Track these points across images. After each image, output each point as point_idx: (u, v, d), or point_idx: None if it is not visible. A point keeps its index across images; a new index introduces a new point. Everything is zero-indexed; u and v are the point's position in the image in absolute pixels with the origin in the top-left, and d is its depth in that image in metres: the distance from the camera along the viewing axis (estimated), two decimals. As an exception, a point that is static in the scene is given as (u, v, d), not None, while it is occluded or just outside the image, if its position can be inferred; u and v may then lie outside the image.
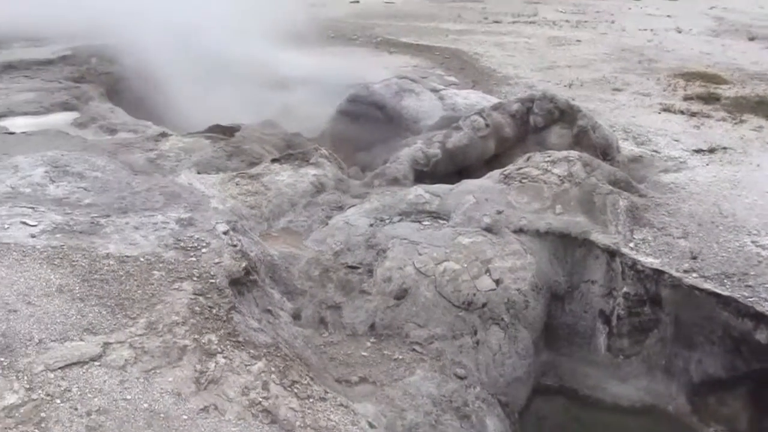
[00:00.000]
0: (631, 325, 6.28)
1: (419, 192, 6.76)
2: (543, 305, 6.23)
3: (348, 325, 5.92)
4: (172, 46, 12.64)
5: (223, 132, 8.36)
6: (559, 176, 6.66)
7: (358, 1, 19.37)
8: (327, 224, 6.62)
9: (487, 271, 6.01)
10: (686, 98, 10.26)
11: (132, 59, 12.25)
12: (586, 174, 6.67)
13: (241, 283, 5.73)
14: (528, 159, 6.88)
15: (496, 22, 16.52)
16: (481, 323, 5.88)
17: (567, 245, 6.43)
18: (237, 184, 7.11)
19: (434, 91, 9.13)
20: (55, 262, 5.62)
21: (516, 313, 5.98)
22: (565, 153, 6.87)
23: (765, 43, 14.63)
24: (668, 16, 17.70)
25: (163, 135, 8.18)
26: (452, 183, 7.46)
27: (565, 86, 10.82)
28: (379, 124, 8.77)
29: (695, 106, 9.89)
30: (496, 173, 6.90)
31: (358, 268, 6.21)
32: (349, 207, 6.91)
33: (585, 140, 7.71)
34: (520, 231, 6.38)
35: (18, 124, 9.21)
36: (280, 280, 6.17)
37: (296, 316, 5.97)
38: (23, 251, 5.75)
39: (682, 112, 9.63)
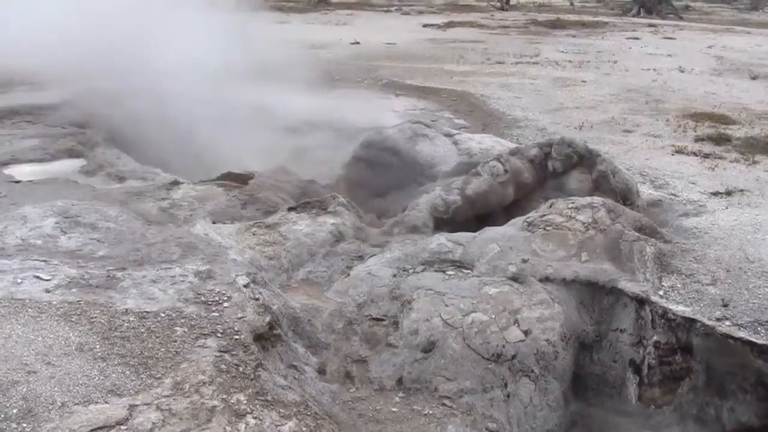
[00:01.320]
0: (662, 374, 6.15)
1: (441, 241, 6.63)
2: (572, 355, 6.10)
3: (375, 379, 5.76)
4: (175, 90, 12.60)
5: (236, 179, 8.24)
6: (584, 223, 6.55)
7: (358, 43, 19.38)
8: (348, 275, 6.47)
9: (516, 321, 5.87)
10: (697, 139, 10.21)
11: (135, 103, 12.16)
12: (611, 221, 6.56)
13: (265, 338, 5.57)
14: (551, 206, 6.77)
15: (500, 62, 16.54)
16: (511, 375, 5.74)
17: (594, 293, 6.31)
18: (254, 234, 6.97)
19: (448, 135, 9.05)
20: (73, 319, 5.45)
21: (546, 365, 5.84)
22: (588, 199, 6.76)
23: (766, 83, 14.68)
24: (669, 55, 17.76)
25: (175, 183, 8.05)
26: (472, 230, 7.35)
27: (575, 128, 10.76)
28: (395, 170, 8.67)
29: (707, 148, 9.84)
30: (518, 220, 6.79)
31: (383, 320, 6.06)
32: (370, 256, 6.77)
33: (605, 185, 7.62)
34: (546, 280, 6.25)
35: (23, 171, 9.07)
36: (303, 334, 6.01)
37: (321, 371, 5.81)
38: (39, 308, 5.59)
39: (695, 154, 9.56)
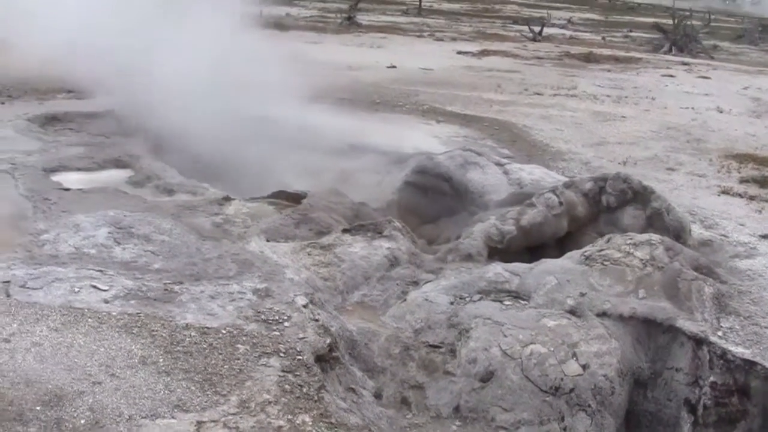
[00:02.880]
0: (717, 416, 6.10)
1: (498, 270, 6.61)
2: (627, 392, 6.07)
3: (432, 406, 5.74)
4: (218, 107, 12.65)
5: (287, 198, 8.24)
6: (642, 260, 6.52)
7: (395, 66, 19.44)
8: (405, 300, 6.46)
9: (574, 355, 5.84)
10: (742, 181, 10.17)
11: (179, 117, 12.21)
12: (669, 258, 6.53)
13: (325, 359, 5.56)
14: (608, 240, 6.74)
15: (538, 94, 16.54)
16: (568, 409, 5.70)
17: (650, 331, 6.28)
18: (309, 255, 6.96)
19: (499, 164, 9.05)
20: (134, 331, 5.46)
21: (602, 400, 5.81)
22: (646, 236, 6.74)
23: (809, 124, 14.63)
24: (706, 94, 17.72)
25: (227, 199, 8.06)
26: (523, 261, 7.33)
27: (619, 164, 10.73)
28: (446, 197, 8.66)
29: (752, 190, 9.79)
30: (576, 254, 6.76)
31: (440, 347, 6.04)
32: (425, 283, 6.75)
33: (658, 223, 7.59)
34: (603, 315, 6.23)
35: (71, 179, 9.10)
36: (359, 357, 6.00)
37: (377, 395, 5.78)
38: (99, 318, 5.60)
39: (740, 195, 9.52)
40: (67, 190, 8.46)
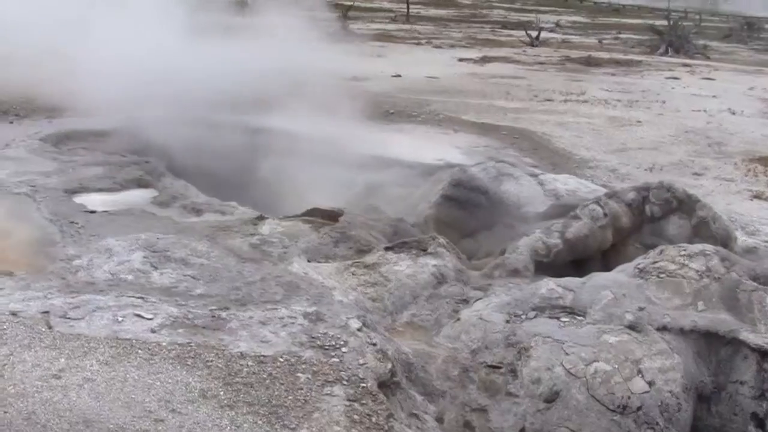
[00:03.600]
0: (786, 430, 5.93)
1: (551, 286, 6.42)
2: (691, 407, 5.89)
3: (496, 429, 5.58)
4: (229, 120, 12.48)
5: (322, 216, 8.04)
6: (698, 271, 6.35)
7: (400, 75, 19.25)
8: (458, 319, 6.27)
9: (639, 372, 5.67)
10: (770, 185, 10.06)
11: (190, 133, 12.01)
12: (725, 269, 6.36)
13: (386, 385, 5.36)
14: (661, 252, 6.57)
15: (548, 100, 16.40)
16: (637, 428, 5.54)
17: (711, 344, 6.11)
18: (353, 274, 6.78)
19: (533, 175, 8.88)
20: (188, 362, 5.25)
21: (670, 417, 5.64)
22: (700, 247, 6.57)
23: (824, 125, 14.55)
24: (714, 96, 17.62)
25: (260, 218, 7.86)
26: (569, 274, 7.16)
27: (645, 170, 10.60)
28: (483, 210, 8.47)
29: (786, 197, 9.67)
30: (629, 267, 6.58)
31: (500, 367, 5.85)
32: (475, 300, 6.57)
33: (705, 231, 7.44)
34: (663, 329, 6.05)
35: (94, 201, 8.89)
36: (417, 381, 5.80)
37: (439, 420, 5.59)
38: (149, 349, 5.38)
39: (774, 203, 9.41)
40: (93, 212, 8.25)
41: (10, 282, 6.44)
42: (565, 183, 8.74)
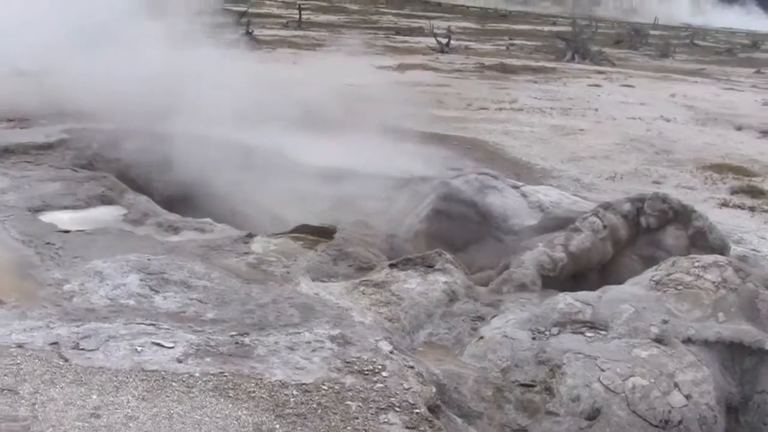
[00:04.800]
0: (814, 437, 6.06)
1: (569, 301, 6.39)
2: (724, 419, 5.94)
3: (539, 450, 5.46)
4: (166, 130, 12.00)
5: (311, 232, 7.80)
6: (714, 282, 6.43)
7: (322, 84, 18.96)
8: (482, 338, 6.15)
9: (676, 385, 5.68)
10: (733, 192, 10.34)
11: (140, 145, 11.54)
12: (740, 280, 6.46)
13: (431, 409, 5.20)
14: (673, 264, 6.63)
15: (483, 108, 16.50)
16: (677, 443, 5.54)
17: (735, 355, 6.19)
18: (364, 294, 6.59)
19: (515, 187, 8.85)
20: (230, 394, 4.98)
21: (708, 429, 5.67)
22: (713, 258, 6.66)
23: (753, 132, 15.10)
24: (641, 104, 18.12)
25: (249, 236, 7.57)
26: (570, 288, 7.17)
27: (607, 179, 10.75)
28: (472, 223, 8.39)
29: (747, 201, 9.96)
30: (644, 280, 6.62)
31: (534, 385, 5.77)
32: (492, 317, 6.47)
33: (701, 242, 7.56)
34: (688, 341, 6.09)
35: (62, 219, 8.41)
36: (451, 403, 5.67)
37: (480, 443, 5.47)
38: (183, 381, 5.09)
39: (740, 207, 9.66)
40: (67, 232, 7.78)
41: (2, 311, 6.00)
42: (546, 194, 8.75)
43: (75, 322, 5.84)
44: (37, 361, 5.21)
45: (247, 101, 13.23)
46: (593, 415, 5.53)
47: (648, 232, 7.81)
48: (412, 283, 6.68)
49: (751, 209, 9.59)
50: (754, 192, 10.30)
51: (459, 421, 5.50)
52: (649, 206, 7.76)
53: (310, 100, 15.73)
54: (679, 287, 6.39)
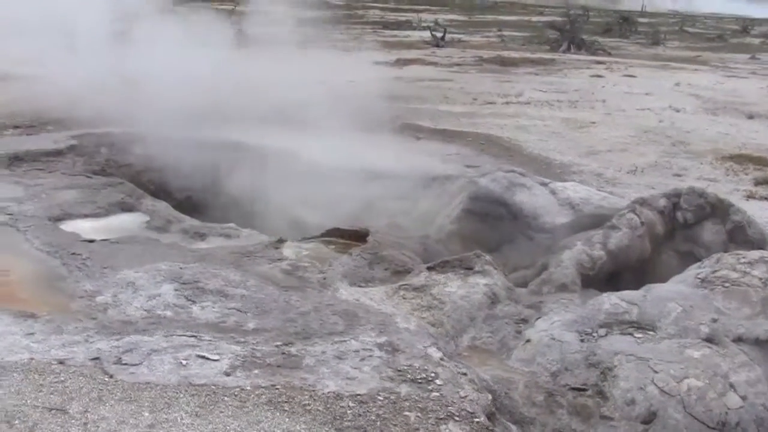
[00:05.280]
0: None
1: (614, 301, 6.28)
2: (777, 418, 5.84)
3: (596, 456, 5.35)
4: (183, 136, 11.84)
5: (342, 236, 7.67)
6: (761, 279, 6.34)
7: (324, 82, 18.76)
8: (528, 340, 6.04)
9: (731, 386, 5.58)
10: (757, 183, 10.23)
11: (151, 149, 11.38)
12: (788, 276, 6.36)
13: (488, 417, 5.09)
14: (718, 261, 6.53)
15: (490, 103, 16.37)
16: (736, 444, 5.44)
17: (784, 353, 6.09)
18: (404, 298, 6.47)
19: (543, 184, 8.72)
20: (285, 408, 4.86)
21: (765, 431, 5.56)
22: (758, 254, 6.56)
23: (766, 121, 15.02)
24: (647, 94, 18.01)
25: (280, 241, 7.43)
26: (607, 288, 7.08)
27: (628, 173, 10.64)
28: (504, 223, 8.27)
29: (773, 192, 9.86)
30: (689, 277, 6.51)
31: (586, 389, 5.66)
32: (536, 319, 6.36)
33: (740, 236, 7.46)
34: (739, 340, 5.99)
35: (84, 228, 8.27)
36: (503, 409, 5.55)
37: (537, 450, 5.36)
38: (234, 395, 4.96)
39: (766, 199, 9.53)
40: (92, 241, 7.63)
41: (37, 325, 5.87)
42: (575, 191, 8.62)
43: (114, 336, 5.72)
44: (81, 378, 5.09)
45: (249, 102, 13.08)
46: (649, 418, 5.42)
47: (684, 227, 7.71)
48: (452, 286, 6.56)
49: (779, 200, 9.49)
50: (778, 183, 10.23)
51: (513, 428, 5.38)
52: (686, 201, 7.66)
53: (315, 99, 15.59)
54: (726, 284, 6.29)
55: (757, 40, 40.96)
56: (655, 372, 5.59)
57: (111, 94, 13.36)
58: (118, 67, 14.63)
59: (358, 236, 7.66)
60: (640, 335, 6.00)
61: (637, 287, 7.33)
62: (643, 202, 7.74)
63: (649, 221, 7.53)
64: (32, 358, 5.34)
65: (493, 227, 8.25)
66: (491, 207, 8.38)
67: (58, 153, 11.17)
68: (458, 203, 8.41)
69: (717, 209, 7.67)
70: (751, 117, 15.27)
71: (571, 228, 7.87)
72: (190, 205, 10.47)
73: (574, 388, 5.68)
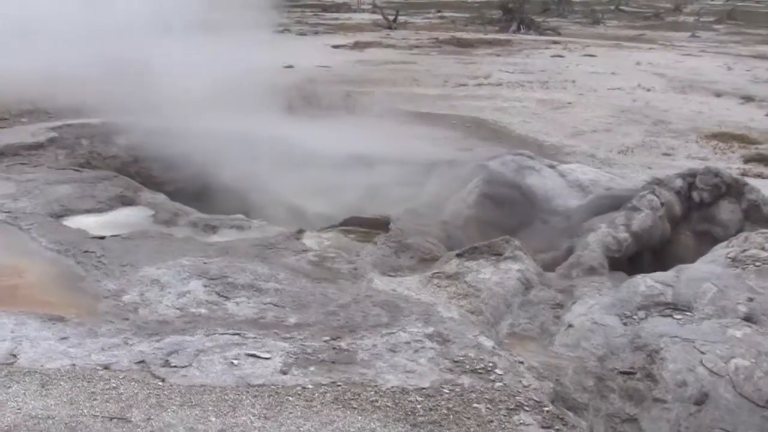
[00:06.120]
0: None
1: (649, 283, 6.31)
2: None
3: (653, 439, 5.38)
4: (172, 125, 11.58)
5: (361, 224, 7.57)
6: (789, 257, 6.42)
7: (292, 66, 18.62)
8: (570, 325, 6.04)
9: (776, 365, 5.65)
10: (746, 161, 10.39)
11: (136, 139, 11.11)
12: (817, 253, 6.46)
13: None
14: (746, 240, 6.60)
15: (462, 85, 16.35)
16: (786, 422, 5.51)
17: (819, 330, 6.18)
18: (438, 287, 6.41)
19: (551, 167, 8.72)
20: (353, 405, 4.79)
21: (809, 408, 5.65)
22: (786, 231, 6.66)
23: (734, 98, 15.29)
24: (613, 73, 18.17)
25: (300, 232, 7.30)
26: (628, 269, 7.13)
27: (620, 153, 10.73)
28: (519, 207, 8.24)
29: (765, 170, 9.98)
30: (718, 257, 6.57)
31: (635, 373, 5.68)
32: (572, 303, 6.36)
33: (756, 215, 7.56)
34: (775, 318, 6.06)
35: (89, 224, 8.04)
36: (556, 395, 5.53)
37: (593, 435, 5.37)
38: (298, 394, 4.88)
39: (760, 177, 9.68)
40: (102, 238, 7.40)
41: (69, 328, 5.69)
42: (583, 173, 8.64)
43: (153, 337, 5.56)
44: (133, 383, 4.94)
45: (226, 89, 12.82)
46: (701, 399, 5.46)
47: (701, 207, 7.79)
48: (486, 273, 6.52)
49: (772, 177, 9.65)
50: (767, 160, 10.38)
51: (570, 414, 5.38)
52: (702, 181, 7.74)
53: (293, 85, 15.41)
54: (758, 263, 6.36)
55: (690, 18, 41.60)
56: (702, 353, 5.63)
57: (75, 83, 12.98)
58: (82, 56, 14.31)
59: (376, 224, 7.57)
60: (679, 316, 6.04)
61: (656, 268, 7.40)
62: (659, 182, 7.80)
63: (667, 202, 7.60)
64: (74, 364, 5.17)
65: (509, 211, 8.22)
66: (507, 191, 8.34)
67: (39, 146, 10.83)
68: (474, 188, 8.35)
69: (732, 188, 7.76)
70: (719, 95, 15.54)
71: (588, 210, 7.89)
72: (183, 196, 10.20)
73: (622, 372, 5.70)
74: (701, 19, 39.90)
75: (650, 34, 33.31)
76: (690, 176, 7.86)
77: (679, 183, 7.80)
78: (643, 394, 5.58)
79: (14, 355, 5.26)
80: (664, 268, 7.23)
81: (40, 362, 5.17)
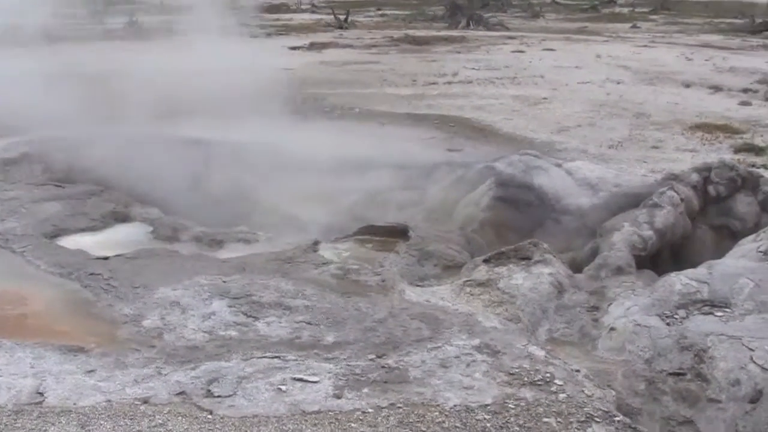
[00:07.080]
0: None
1: (685, 281, 6.22)
2: None
3: (711, 440, 5.27)
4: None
5: (376, 233, 7.34)
6: (820, 249, 6.39)
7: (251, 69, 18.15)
8: (613, 328, 5.91)
9: (825, 359, 5.59)
10: (736, 151, 10.39)
11: (116, 152, 10.68)
12: None
13: (608, 412, 4.93)
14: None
15: (432, 83, 16.18)
16: (839, 416, 5.45)
17: None
18: (471, 295, 6.23)
19: (557, 165, 8.58)
20: (420, 428, 4.63)
21: None
22: (814, 224, 6.63)
23: (702, 89, 15.39)
24: (577, 67, 18.16)
25: (316, 243, 7.05)
26: (653, 267, 7.05)
27: (610, 148, 10.65)
28: (533, 207, 8.09)
29: (756, 159, 9.98)
30: (749, 251, 6.51)
31: (684, 373, 5.56)
32: (608, 305, 6.23)
33: (771, 206, 7.54)
34: (816, 311, 6.01)
35: (87, 244, 7.67)
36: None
37: (652, 441, 5.23)
38: (360, 420, 4.67)
39: (754, 166, 9.65)
40: (106, 258, 7.04)
41: (93, 360, 5.38)
42: (591, 170, 8.53)
43: (187, 365, 5.29)
44: (180, 418, 4.67)
45: (192, 95, 12.47)
46: (756, 397, 5.36)
47: (717, 201, 7.74)
48: (518, 279, 6.36)
49: (765, 167, 9.63)
50: (755, 149, 10.41)
51: (627, 420, 5.24)
52: (717, 175, 7.70)
53: (259, 88, 15.02)
54: (789, 256, 6.32)
55: (625, 9, 42.13)
56: (751, 350, 5.53)
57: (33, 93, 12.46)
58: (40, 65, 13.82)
59: (392, 232, 7.34)
60: (720, 314, 5.95)
61: (676, 264, 7.34)
62: (675, 178, 7.74)
63: (686, 197, 7.53)
64: (109, 400, 4.86)
65: (523, 213, 8.07)
66: (520, 192, 8.19)
67: (12, 162, 10.34)
68: (487, 190, 8.18)
69: (747, 181, 7.74)
70: (687, 86, 15.62)
71: (605, 209, 7.77)
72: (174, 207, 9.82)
73: (672, 373, 5.59)
74: (636, 10, 40.46)
75: (592, 26, 33.50)
76: (705, 170, 7.81)
77: (695, 178, 7.74)
78: (696, 395, 5.47)
79: (41, 393, 4.95)
80: (683, 264, 7.17)
81: (71, 400, 4.87)
